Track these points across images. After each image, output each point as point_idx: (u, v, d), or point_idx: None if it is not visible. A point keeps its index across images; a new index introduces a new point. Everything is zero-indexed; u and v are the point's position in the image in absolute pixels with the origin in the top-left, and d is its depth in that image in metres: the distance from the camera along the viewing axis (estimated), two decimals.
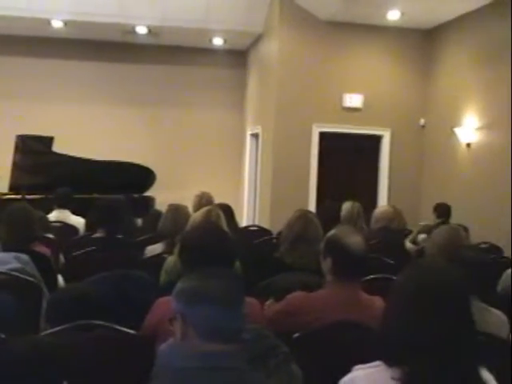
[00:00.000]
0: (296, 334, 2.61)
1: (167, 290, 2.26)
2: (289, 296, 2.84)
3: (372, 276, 3.70)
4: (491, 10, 8.28)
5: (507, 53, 7.93)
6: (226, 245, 2.66)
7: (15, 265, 3.43)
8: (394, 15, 9.04)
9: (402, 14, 8.97)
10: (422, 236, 6.11)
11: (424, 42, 9.86)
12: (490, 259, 4.90)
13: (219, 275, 1.94)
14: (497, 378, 1.89)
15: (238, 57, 12.17)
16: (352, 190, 9.11)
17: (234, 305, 1.84)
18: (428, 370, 1.69)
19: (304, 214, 3.83)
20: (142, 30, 10.41)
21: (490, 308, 2.96)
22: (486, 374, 1.82)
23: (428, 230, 5.85)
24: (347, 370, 1.90)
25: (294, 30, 9.53)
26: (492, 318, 2.92)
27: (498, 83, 8.22)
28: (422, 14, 9.06)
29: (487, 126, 8.45)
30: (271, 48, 10.06)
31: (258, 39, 11.00)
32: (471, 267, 2.78)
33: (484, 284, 2.94)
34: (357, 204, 6.46)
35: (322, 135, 9.67)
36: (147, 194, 10.33)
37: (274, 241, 5.76)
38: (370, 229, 6.30)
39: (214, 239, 2.65)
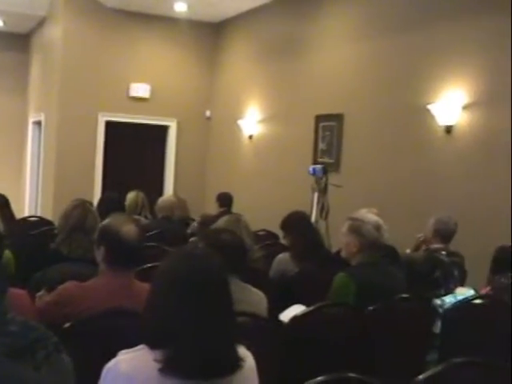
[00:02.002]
0: (67, 324, 2.59)
1: None
2: (60, 286, 2.79)
3: (150, 264, 3.75)
4: (273, 7, 8.72)
5: (288, 49, 8.41)
6: None
7: None
8: (180, 7, 9.15)
9: (189, 6, 9.12)
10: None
11: (211, 35, 10.12)
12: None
13: None
14: (256, 354, 2.02)
15: (20, 40, 11.63)
16: (139, 179, 9.12)
17: None
18: (187, 350, 1.77)
19: (81, 204, 3.78)
20: None
21: (249, 286, 3.16)
22: (243, 351, 1.94)
23: (210, 219, 6.02)
24: None
25: (79, 16, 9.30)
26: (252, 297, 3.13)
27: (278, 79, 8.68)
28: (207, 8, 9.28)
29: (268, 119, 8.90)
30: (55, 33, 9.73)
31: (41, 23, 10.58)
32: (229, 249, 2.96)
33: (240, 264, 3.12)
34: (141, 194, 6.51)
35: (109, 124, 9.57)
36: None
37: (55, 231, 5.61)
38: (154, 218, 6.38)
39: None
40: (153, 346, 1.83)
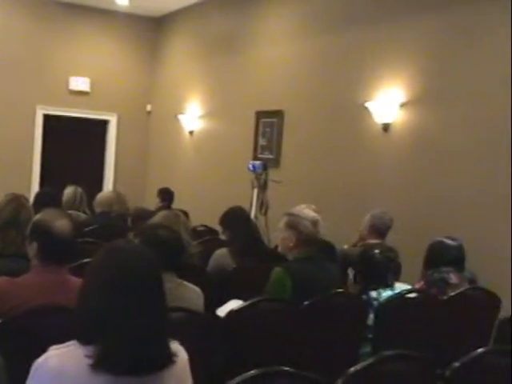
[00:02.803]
0: None
1: None
2: None
3: (86, 260, 3.70)
4: (215, 3, 8.72)
5: (230, 45, 8.41)
6: None
7: None
8: (121, 1, 9.04)
9: (130, 0, 9.01)
10: None
11: (153, 29, 10.05)
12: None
13: None
14: (192, 349, 2.03)
15: None
16: (78, 174, 9.00)
17: None
18: (118, 346, 1.76)
19: (15, 198, 3.69)
20: None
21: (185, 283, 3.16)
22: (176, 346, 1.94)
23: (145, 213, 5.99)
24: None
25: (17, 6, 9.11)
26: (188, 293, 3.12)
27: (219, 74, 8.67)
28: (148, 2, 9.22)
29: (208, 115, 8.89)
30: None
31: None
32: (167, 246, 2.96)
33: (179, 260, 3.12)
34: (79, 189, 6.42)
35: (47, 118, 9.40)
36: None
37: None
38: (93, 213, 6.30)
39: None
40: (84, 341, 1.81)
